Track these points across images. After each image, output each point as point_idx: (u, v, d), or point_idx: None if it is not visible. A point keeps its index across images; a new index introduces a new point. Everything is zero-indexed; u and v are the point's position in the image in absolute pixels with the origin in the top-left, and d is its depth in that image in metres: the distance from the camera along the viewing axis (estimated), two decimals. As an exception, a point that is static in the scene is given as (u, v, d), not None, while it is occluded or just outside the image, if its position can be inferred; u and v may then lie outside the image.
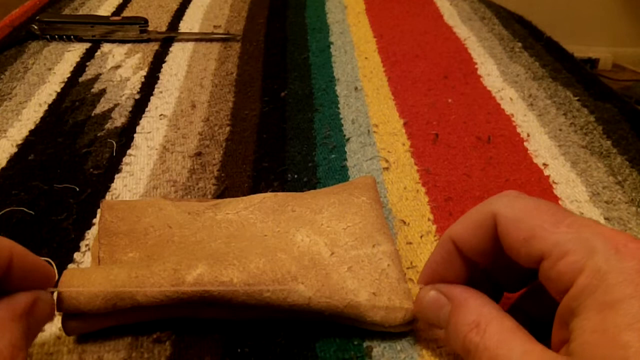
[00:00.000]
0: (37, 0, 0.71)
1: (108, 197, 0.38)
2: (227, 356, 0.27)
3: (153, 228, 0.31)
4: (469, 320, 0.23)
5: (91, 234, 0.34)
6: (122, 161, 0.41)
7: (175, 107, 0.48)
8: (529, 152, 0.43)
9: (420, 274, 0.27)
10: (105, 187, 0.39)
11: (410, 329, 0.28)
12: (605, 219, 0.36)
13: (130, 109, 0.48)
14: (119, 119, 0.46)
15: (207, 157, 0.42)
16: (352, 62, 0.57)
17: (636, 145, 0.43)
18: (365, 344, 0.28)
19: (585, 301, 0.19)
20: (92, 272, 0.26)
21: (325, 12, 0.70)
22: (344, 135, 0.45)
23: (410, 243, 0.34)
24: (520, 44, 0.61)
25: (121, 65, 0.55)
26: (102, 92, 0.51)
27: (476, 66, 0.56)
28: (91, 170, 0.40)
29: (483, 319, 0.23)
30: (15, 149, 0.43)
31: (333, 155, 0.42)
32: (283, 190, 0.38)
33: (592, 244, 0.20)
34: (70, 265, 0.32)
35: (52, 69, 0.54)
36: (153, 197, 0.38)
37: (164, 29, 0.64)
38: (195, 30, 0.64)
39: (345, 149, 0.43)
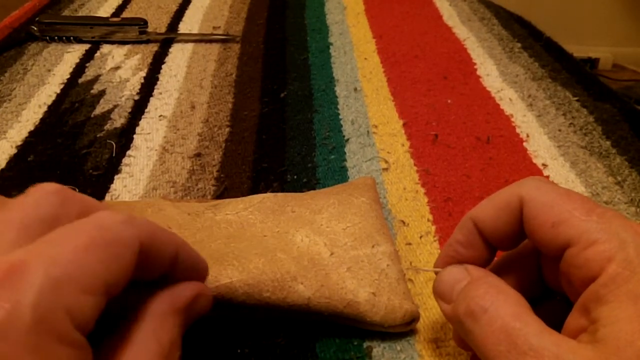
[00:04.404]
0: (37, 2, 0.71)
1: (107, 198, 0.38)
2: (227, 356, 0.27)
3: (152, 229, 0.31)
4: (482, 288, 0.22)
5: (91, 234, 0.34)
6: (121, 162, 0.41)
7: (174, 108, 0.48)
8: (528, 152, 0.43)
9: (439, 255, 0.26)
10: (105, 188, 0.39)
11: (410, 329, 0.28)
12: (605, 219, 0.36)
13: (129, 109, 0.48)
14: (118, 120, 0.46)
15: (207, 158, 0.42)
16: (351, 62, 0.57)
17: (635, 145, 0.44)
18: (365, 344, 0.28)
19: (616, 290, 0.19)
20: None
21: (325, 13, 0.70)
22: (344, 136, 0.45)
23: (410, 243, 0.34)
24: (519, 44, 0.61)
25: (121, 66, 0.55)
26: (102, 93, 0.51)
27: (475, 66, 0.56)
28: (91, 171, 0.40)
29: (497, 289, 0.22)
30: (14, 150, 0.43)
31: (332, 156, 0.42)
32: (282, 191, 0.38)
33: (622, 236, 0.20)
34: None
35: (51, 70, 0.54)
36: (153, 198, 0.38)
37: (163, 30, 0.64)
38: (195, 31, 0.64)
39: (345, 150, 0.43)
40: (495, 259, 0.26)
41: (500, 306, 0.21)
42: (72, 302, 0.16)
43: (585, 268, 0.20)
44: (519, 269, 0.25)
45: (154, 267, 0.20)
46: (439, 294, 0.25)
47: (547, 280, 0.24)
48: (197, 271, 0.23)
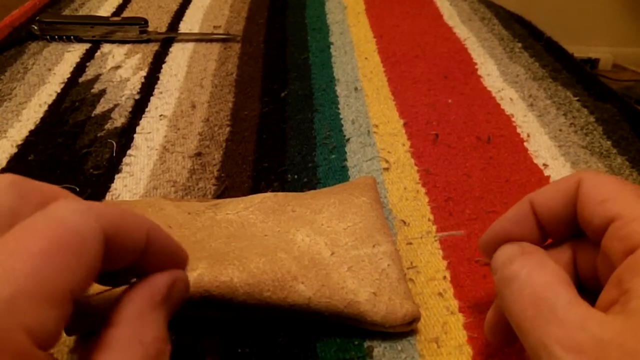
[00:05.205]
0: (37, 1, 0.71)
1: (108, 197, 0.38)
2: (227, 356, 0.27)
3: (153, 228, 0.31)
4: (523, 258, 0.22)
5: (91, 234, 0.34)
6: (122, 161, 0.41)
7: (175, 107, 0.48)
8: (529, 152, 0.43)
9: (488, 229, 0.26)
10: (105, 187, 0.39)
11: (411, 329, 0.28)
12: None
13: (130, 109, 0.48)
14: (118, 119, 0.46)
15: (207, 158, 0.42)
16: (352, 62, 0.57)
17: (636, 145, 0.43)
18: (366, 344, 0.28)
19: None
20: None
21: (325, 12, 0.70)
22: (344, 136, 0.45)
23: (411, 243, 0.34)
24: (520, 44, 0.61)
25: (121, 66, 0.55)
26: (102, 92, 0.51)
27: (476, 66, 0.56)
28: (91, 170, 0.40)
29: (534, 259, 0.22)
30: (15, 150, 0.43)
31: (333, 156, 0.42)
32: (283, 191, 0.38)
33: None
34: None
35: (52, 70, 0.54)
36: (153, 198, 0.38)
37: (163, 29, 0.64)
38: (195, 31, 0.64)
39: (345, 150, 0.43)
40: None
41: (534, 274, 0.21)
42: (31, 319, 0.15)
43: (626, 240, 0.20)
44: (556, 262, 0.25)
45: (123, 256, 0.19)
46: (493, 270, 0.25)
47: (583, 277, 0.24)
48: (173, 257, 0.22)
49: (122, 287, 0.21)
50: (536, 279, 0.21)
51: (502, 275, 0.22)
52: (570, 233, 0.25)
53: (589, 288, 0.24)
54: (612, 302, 0.20)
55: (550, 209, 0.24)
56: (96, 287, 0.23)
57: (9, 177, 0.19)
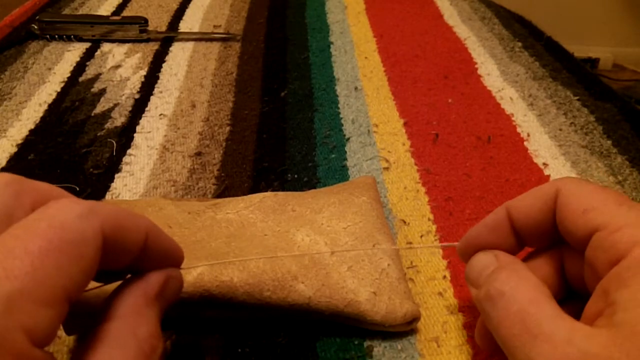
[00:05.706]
0: (37, 0, 0.71)
1: (108, 197, 0.38)
2: (227, 356, 0.27)
3: (153, 228, 0.31)
4: (504, 273, 0.22)
5: (91, 233, 0.34)
6: (122, 161, 0.41)
7: (175, 106, 0.48)
8: (529, 152, 0.43)
9: (465, 235, 0.26)
10: (105, 186, 0.39)
11: (411, 329, 0.28)
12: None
13: (130, 108, 0.48)
14: (119, 119, 0.46)
15: (207, 157, 0.42)
16: (352, 61, 0.57)
17: (636, 145, 0.43)
18: (365, 344, 0.28)
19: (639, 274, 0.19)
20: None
21: (325, 12, 0.69)
22: (344, 135, 0.45)
23: (411, 243, 0.34)
24: (520, 44, 0.61)
25: (121, 65, 0.55)
26: (102, 91, 0.51)
27: (476, 66, 0.56)
28: (91, 170, 0.40)
29: (518, 275, 0.22)
30: (15, 149, 0.42)
31: (333, 155, 0.42)
32: (283, 190, 0.38)
33: None
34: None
35: (52, 69, 0.54)
36: (153, 197, 0.38)
37: (163, 28, 0.64)
38: (195, 30, 0.64)
39: (345, 149, 0.43)
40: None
41: (518, 291, 0.21)
42: (29, 319, 0.15)
43: (611, 250, 0.20)
44: (543, 269, 0.25)
45: (121, 257, 0.19)
46: (469, 281, 0.25)
47: (574, 282, 0.24)
48: (170, 256, 0.22)
49: (116, 283, 0.21)
50: (520, 295, 0.21)
51: (487, 294, 0.22)
52: (550, 241, 0.25)
53: (580, 293, 0.24)
54: (598, 314, 0.20)
55: (527, 216, 0.24)
56: (90, 284, 0.23)
57: (4, 177, 0.19)
